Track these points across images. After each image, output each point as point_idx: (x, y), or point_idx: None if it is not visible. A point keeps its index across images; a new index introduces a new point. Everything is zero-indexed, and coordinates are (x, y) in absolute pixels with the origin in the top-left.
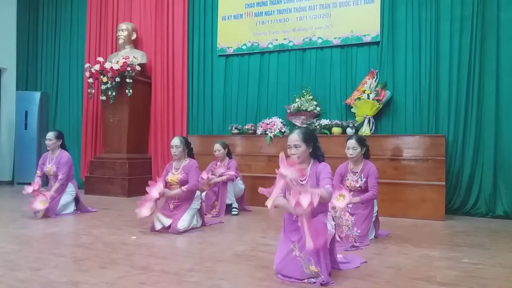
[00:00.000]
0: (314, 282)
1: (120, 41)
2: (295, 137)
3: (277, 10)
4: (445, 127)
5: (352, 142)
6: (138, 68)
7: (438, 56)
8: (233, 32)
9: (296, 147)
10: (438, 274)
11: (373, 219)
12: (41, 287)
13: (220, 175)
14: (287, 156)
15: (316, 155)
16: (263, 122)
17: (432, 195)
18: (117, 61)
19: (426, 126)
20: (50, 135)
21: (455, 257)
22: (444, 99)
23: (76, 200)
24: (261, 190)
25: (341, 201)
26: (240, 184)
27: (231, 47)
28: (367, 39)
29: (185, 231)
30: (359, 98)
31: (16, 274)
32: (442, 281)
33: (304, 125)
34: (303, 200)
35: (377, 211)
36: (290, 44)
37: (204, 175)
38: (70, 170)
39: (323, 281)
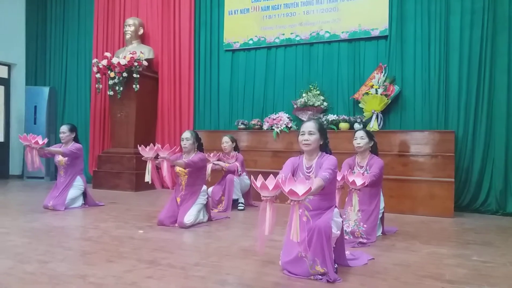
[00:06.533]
0: (321, 279)
1: (127, 36)
2: (311, 124)
3: (284, 4)
4: (454, 122)
5: (360, 132)
6: (145, 63)
7: (447, 50)
8: (239, 27)
9: (310, 133)
10: (447, 272)
11: (380, 215)
12: (49, 280)
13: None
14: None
15: (325, 150)
16: (269, 117)
17: (441, 191)
18: (124, 56)
19: (435, 122)
20: (64, 128)
21: (465, 254)
22: (454, 94)
23: (84, 194)
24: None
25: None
26: (246, 180)
27: (238, 42)
28: (375, 33)
29: (192, 225)
30: (367, 93)
31: (25, 267)
32: (451, 279)
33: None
34: (298, 188)
35: (384, 207)
36: (297, 38)
37: (212, 156)
38: (78, 158)
39: (330, 279)
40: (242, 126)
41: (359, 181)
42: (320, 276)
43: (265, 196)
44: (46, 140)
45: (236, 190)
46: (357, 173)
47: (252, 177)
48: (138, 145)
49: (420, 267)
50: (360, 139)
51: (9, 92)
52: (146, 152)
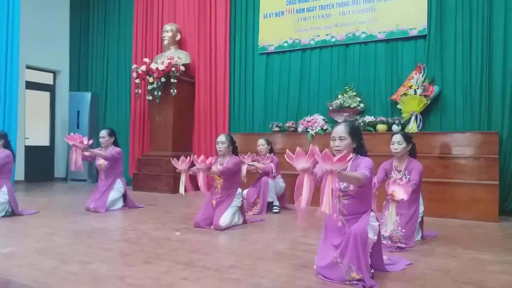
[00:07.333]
0: (357, 284)
1: (165, 42)
2: (341, 129)
3: (319, 6)
4: (498, 123)
5: (397, 137)
6: (182, 68)
7: (490, 49)
8: (274, 30)
9: (341, 139)
10: (490, 279)
11: (419, 219)
12: (90, 281)
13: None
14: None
15: (360, 152)
16: (304, 120)
17: (484, 195)
18: (162, 62)
19: (477, 123)
20: (103, 132)
21: (510, 261)
22: (497, 94)
23: (124, 196)
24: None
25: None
26: (280, 182)
27: (272, 45)
28: (414, 32)
29: (227, 228)
30: (405, 94)
31: (68, 267)
32: (494, 287)
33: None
34: (335, 158)
35: (423, 211)
36: (333, 40)
37: (247, 157)
38: (117, 161)
39: (366, 285)
40: (276, 129)
41: (399, 195)
42: (356, 282)
43: (302, 168)
44: (91, 141)
45: (271, 192)
46: (400, 184)
47: (287, 150)
48: (171, 159)
49: (461, 273)
50: (397, 144)
51: (54, 97)
52: (179, 164)
